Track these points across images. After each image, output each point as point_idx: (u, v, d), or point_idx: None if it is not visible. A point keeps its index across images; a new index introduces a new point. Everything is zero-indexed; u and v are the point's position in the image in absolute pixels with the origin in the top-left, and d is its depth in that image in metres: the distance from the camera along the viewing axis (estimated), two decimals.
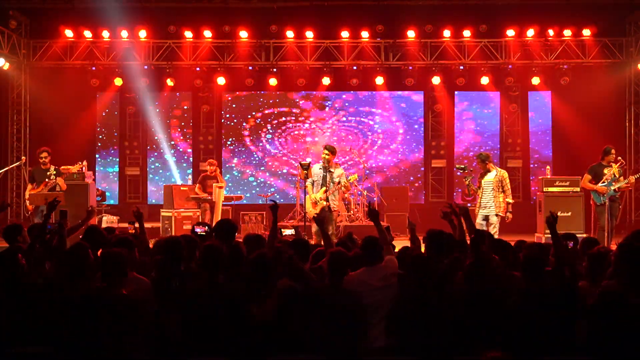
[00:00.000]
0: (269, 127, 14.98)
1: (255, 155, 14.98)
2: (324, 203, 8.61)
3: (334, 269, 4.09)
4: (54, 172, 9.44)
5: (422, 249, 5.35)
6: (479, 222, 8.83)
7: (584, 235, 9.56)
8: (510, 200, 8.91)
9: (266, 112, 15.01)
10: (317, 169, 8.87)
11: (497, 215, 8.79)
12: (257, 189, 14.66)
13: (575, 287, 4.01)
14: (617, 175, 9.26)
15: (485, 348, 3.25)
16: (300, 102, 15.01)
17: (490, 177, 8.93)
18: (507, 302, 3.85)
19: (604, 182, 9.31)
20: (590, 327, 3.66)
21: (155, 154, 14.96)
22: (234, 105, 15.07)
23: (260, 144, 14.98)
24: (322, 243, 5.59)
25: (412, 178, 14.90)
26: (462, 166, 9.44)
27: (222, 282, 4.05)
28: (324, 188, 8.69)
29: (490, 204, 8.82)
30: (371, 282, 4.26)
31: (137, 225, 5.38)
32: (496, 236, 8.38)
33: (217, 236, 4.94)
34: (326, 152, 8.84)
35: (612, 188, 9.23)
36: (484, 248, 4.54)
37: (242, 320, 3.81)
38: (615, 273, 3.88)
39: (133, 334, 3.56)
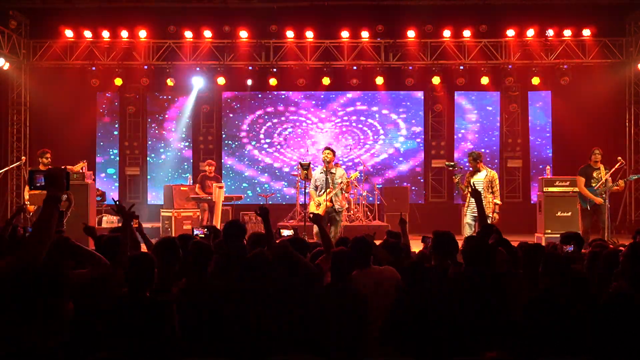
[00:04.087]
0: (269, 127, 14.99)
1: (255, 155, 14.98)
2: (328, 204, 8.61)
3: (336, 268, 4.04)
4: None
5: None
6: (468, 222, 8.74)
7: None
8: (498, 202, 8.77)
9: (266, 112, 15.02)
10: (318, 174, 8.85)
11: (487, 216, 8.70)
12: (258, 189, 14.67)
13: (581, 288, 4.00)
14: (604, 179, 9.26)
15: (483, 348, 3.25)
16: (300, 102, 15.01)
17: (480, 177, 8.81)
18: (510, 303, 3.83)
19: (592, 187, 9.32)
20: (596, 328, 3.63)
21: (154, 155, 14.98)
22: (234, 105, 15.07)
23: (260, 144, 14.98)
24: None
25: (412, 184, 14.91)
26: (452, 163, 9.32)
27: (214, 281, 4.04)
28: (327, 191, 8.67)
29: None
30: (364, 281, 4.24)
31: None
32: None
33: (225, 238, 4.92)
34: (327, 152, 8.85)
35: (598, 192, 9.23)
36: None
37: (239, 320, 3.81)
38: (623, 273, 3.85)
39: (163, 336, 3.51)
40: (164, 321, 3.49)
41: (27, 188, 9.82)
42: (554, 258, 3.92)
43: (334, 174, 8.77)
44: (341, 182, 8.70)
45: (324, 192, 8.68)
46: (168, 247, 4.43)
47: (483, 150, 14.73)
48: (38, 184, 3.12)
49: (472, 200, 8.81)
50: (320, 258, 4.70)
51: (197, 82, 14.12)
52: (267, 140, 14.97)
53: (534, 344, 3.64)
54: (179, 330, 3.62)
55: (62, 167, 9.71)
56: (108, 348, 3.50)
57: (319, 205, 8.67)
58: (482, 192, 8.74)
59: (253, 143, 14.99)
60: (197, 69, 13.69)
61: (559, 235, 9.80)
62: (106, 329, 3.51)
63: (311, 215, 5.44)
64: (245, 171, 14.99)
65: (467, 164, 9.25)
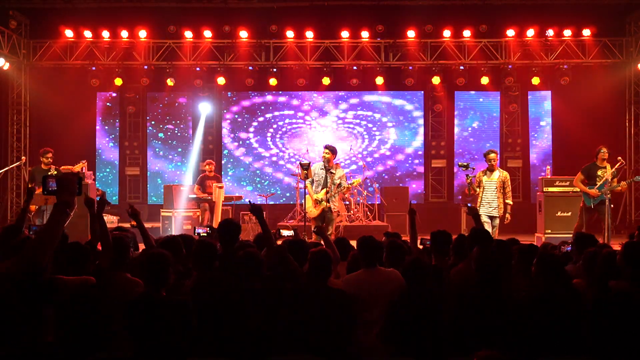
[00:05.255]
0: (269, 127, 14.98)
1: (255, 155, 14.98)
2: (326, 204, 8.65)
3: (315, 268, 4.02)
4: (55, 172, 9.48)
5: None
6: (485, 221, 8.73)
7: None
8: (510, 202, 8.92)
9: (266, 112, 15.02)
10: (318, 169, 8.88)
11: (498, 216, 8.81)
12: (258, 189, 14.66)
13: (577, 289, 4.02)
14: (610, 179, 9.18)
15: (479, 347, 3.24)
16: (300, 102, 15.01)
17: (494, 177, 8.92)
18: (510, 302, 3.84)
19: (597, 185, 9.23)
20: (594, 327, 3.65)
21: (153, 151, 14.99)
22: (234, 105, 15.07)
23: (260, 144, 14.98)
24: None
25: (411, 178, 14.92)
26: (465, 163, 9.28)
27: (215, 280, 4.04)
28: (325, 189, 8.71)
29: (495, 204, 8.85)
30: (372, 281, 4.25)
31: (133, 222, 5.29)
32: (496, 237, 8.44)
33: (220, 237, 4.92)
34: (327, 151, 8.86)
35: (603, 192, 9.15)
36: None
37: (238, 320, 3.81)
38: (622, 272, 3.87)
39: (180, 336, 3.50)
40: (181, 321, 3.48)
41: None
42: (545, 258, 3.93)
43: (334, 174, 8.80)
44: (340, 184, 8.76)
45: (321, 190, 8.74)
46: (171, 246, 4.42)
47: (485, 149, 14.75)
48: (50, 189, 3.10)
49: (486, 199, 8.84)
50: None
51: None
52: (267, 140, 14.97)
53: (532, 344, 3.65)
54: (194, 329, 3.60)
55: (62, 167, 9.73)
56: (122, 348, 3.49)
57: (317, 203, 8.70)
58: (495, 191, 8.82)
59: (253, 143, 14.98)
60: (197, 69, 13.69)
61: (558, 235, 9.85)
62: (121, 329, 3.50)
63: (315, 229, 5.47)
64: (245, 171, 14.98)
65: (485, 162, 9.22)
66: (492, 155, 9.10)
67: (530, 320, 3.70)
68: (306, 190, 8.92)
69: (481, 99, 14.90)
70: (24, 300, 3.16)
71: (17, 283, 2.95)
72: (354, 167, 14.64)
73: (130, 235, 4.96)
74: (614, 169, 9.26)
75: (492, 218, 8.90)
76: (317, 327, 3.78)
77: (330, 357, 3.65)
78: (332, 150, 8.96)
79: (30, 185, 8.99)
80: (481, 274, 3.83)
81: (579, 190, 10.10)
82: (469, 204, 7.12)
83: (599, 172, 9.27)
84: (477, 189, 8.99)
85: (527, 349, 3.60)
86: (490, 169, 9.02)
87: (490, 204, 8.88)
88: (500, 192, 8.85)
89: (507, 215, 8.89)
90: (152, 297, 3.52)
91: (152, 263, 3.59)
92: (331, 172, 8.79)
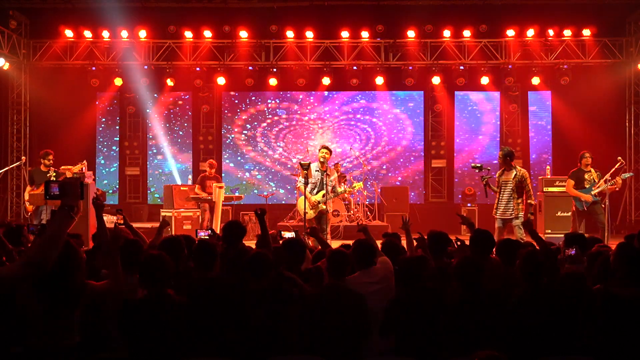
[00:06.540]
0: (269, 127, 14.99)
1: (255, 156, 14.98)
2: (323, 207, 8.73)
3: (333, 268, 4.07)
4: (54, 174, 9.48)
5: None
6: (500, 227, 8.33)
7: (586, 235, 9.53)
8: (532, 202, 8.29)
9: (266, 112, 15.02)
10: (314, 170, 8.89)
11: (517, 217, 8.17)
12: (258, 188, 14.67)
13: (576, 288, 4.03)
14: (597, 180, 9.26)
15: (479, 348, 3.25)
16: (300, 102, 15.01)
17: (509, 177, 8.27)
18: (506, 303, 3.85)
19: (585, 188, 9.31)
20: (590, 327, 3.67)
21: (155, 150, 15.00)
22: (234, 105, 15.07)
23: (260, 144, 14.99)
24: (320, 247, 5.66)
25: (412, 181, 14.92)
26: (479, 165, 8.85)
27: (216, 280, 4.05)
28: (322, 192, 8.75)
29: (510, 206, 8.21)
30: (370, 282, 4.27)
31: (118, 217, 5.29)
32: (524, 238, 7.74)
33: (224, 238, 4.91)
34: (325, 151, 8.88)
35: (593, 193, 9.21)
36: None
37: (239, 320, 3.81)
38: (615, 272, 3.88)
39: (186, 335, 3.51)
40: (176, 321, 3.49)
41: (27, 188, 9.82)
42: (530, 259, 3.95)
43: (329, 175, 8.86)
44: (334, 187, 8.86)
45: (317, 192, 8.77)
46: (173, 246, 4.43)
47: (481, 150, 14.77)
48: (52, 194, 3.12)
49: (501, 201, 8.30)
50: (323, 260, 4.73)
51: None
52: (267, 141, 14.98)
53: (532, 343, 3.65)
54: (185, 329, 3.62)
55: (60, 168, 9.74)
56: (128, 349, 3.50)
57: (314, 205, 8.73)
58: (511, 193, 8.20)
59: (253, 143, 14.99)
60: (197, 69, 13.69)
61: (558, 235, 9.78)
62: (126, 330, 3.51)
63: (308, 229, 5.50)
64: (245, 171, 14.99)
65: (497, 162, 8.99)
66: (501, 154, 8.49)
67: (520, 320, 3.72)
68: (301, 192, 8.95)
69: (481, 99, 14.88)
70: (49, 303, 3.18)
71: (26, 285, 2.96)
72: (355, 172, 14.64)
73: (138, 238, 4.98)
74: (599, 173, 9.35)
75: (506, 221, 8.31)
76: (332, 328, 3.79)
77: (340, 357, 3.67)
78: (330, 151, 9.01)
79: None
80: (457, 277, 3.86)
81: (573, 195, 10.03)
82: (462, 215, 6.98)
83: (586, 176, 9.40)
84: (497, 189, 8.42)
85: (529, 350, 3.61)
86: (507, 168, 8.35)
87: (506, 206, 8.26)
88: (517, 192, 8.17)
89: (530, 217, 8.09)
90: (148, 298, 3.52)
91: (151, 264, 3.59)
92: (327, 174, 8.83)
